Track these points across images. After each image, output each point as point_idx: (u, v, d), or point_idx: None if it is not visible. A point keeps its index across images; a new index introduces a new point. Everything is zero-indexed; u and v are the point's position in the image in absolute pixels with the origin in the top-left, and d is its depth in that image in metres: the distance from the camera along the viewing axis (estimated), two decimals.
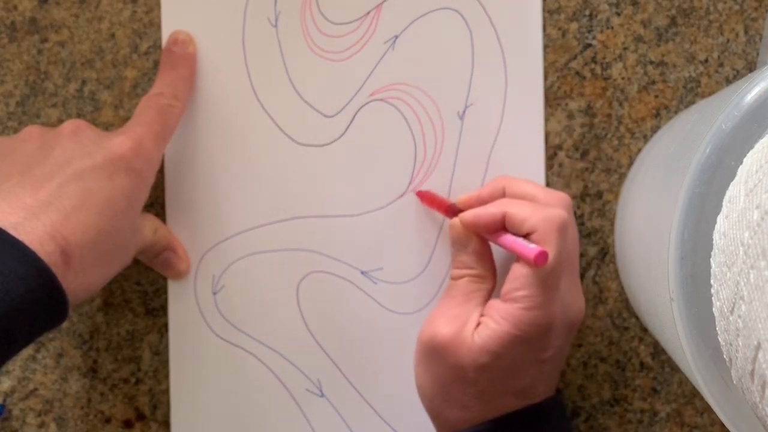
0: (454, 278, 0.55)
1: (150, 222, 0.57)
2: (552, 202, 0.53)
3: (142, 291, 0.60)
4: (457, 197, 0.58)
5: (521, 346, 0.51)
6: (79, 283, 0.49)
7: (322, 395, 0.59)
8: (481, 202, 0.55)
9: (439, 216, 0.58)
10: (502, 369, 0.51)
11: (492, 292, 0.55)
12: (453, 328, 0.52)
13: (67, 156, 0.51)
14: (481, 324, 0.51)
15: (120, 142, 0.52)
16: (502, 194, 0.55)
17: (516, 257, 0.52)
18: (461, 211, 0.55)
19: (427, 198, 0.58)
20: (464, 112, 0.58)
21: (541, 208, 0.52)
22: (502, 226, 0.53)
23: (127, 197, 0.51)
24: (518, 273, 0.51)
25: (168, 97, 0.55)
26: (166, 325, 0.59)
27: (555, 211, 0.51)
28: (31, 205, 0.48)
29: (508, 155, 0.57)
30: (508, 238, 0.52)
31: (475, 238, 0.54)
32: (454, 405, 0.53)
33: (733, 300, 0.32)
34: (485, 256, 0.55)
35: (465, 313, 0.53)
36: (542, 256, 0.50)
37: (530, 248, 0.50)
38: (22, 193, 0.49)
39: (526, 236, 0.51)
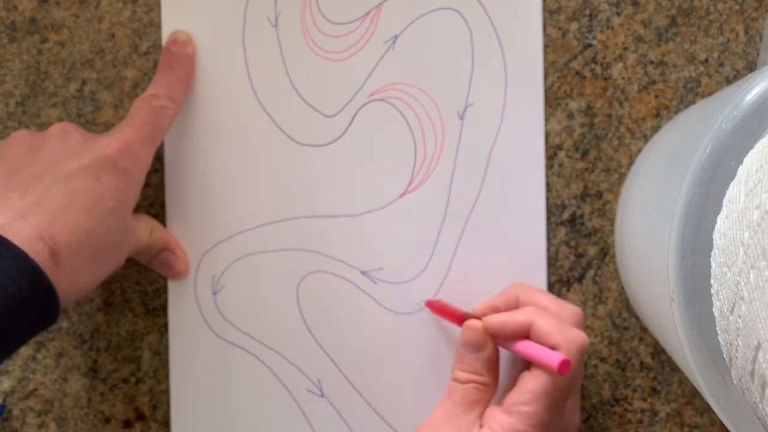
0: (460, 381, 0.54)
1: (145, 223, 0.57)
2: (563, 314, 0.53)
3: (142, 291, 0.60)
4: (457, 197, 0.58)
5: None
6: (69, 282, 0.49)
7: (322, 395, 0.59)
8: (497, 311, 0.55)
9: (439, 216, 0.58)
10: None
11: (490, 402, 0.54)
12: None
13: (55, 158, 0.51)
14: None
15: (107, 143, 0.52)
16: (516, 302, 0.55)
17: (524, 367, 0.52)
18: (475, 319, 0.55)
19: (438, 308, 0.57)
20: (464, 112, 0.58)
21: (567, 327, 0.52)
22: (525, 335, 0.52)
23: (115, 197, 0.51)
24: (528, 387, 0.51)
25: (162, 99, 0.55)
26: (166, 325, 0.59)
27: (581, 334, 0.52)
28: (19, 207, 0.48)
29: (508, 155, 0.57)
30: (531, 345, 0.52)
31: (491, 344, 0.54)
32: None
33: (733, 300, 0.32)
34: (495, 364, 0.54)
35: (467, 425, 0.52)
36: (566, 364, 0.50)
37: (555, 355, 0.50)
38: (10, 195, 0.49)
39: None
